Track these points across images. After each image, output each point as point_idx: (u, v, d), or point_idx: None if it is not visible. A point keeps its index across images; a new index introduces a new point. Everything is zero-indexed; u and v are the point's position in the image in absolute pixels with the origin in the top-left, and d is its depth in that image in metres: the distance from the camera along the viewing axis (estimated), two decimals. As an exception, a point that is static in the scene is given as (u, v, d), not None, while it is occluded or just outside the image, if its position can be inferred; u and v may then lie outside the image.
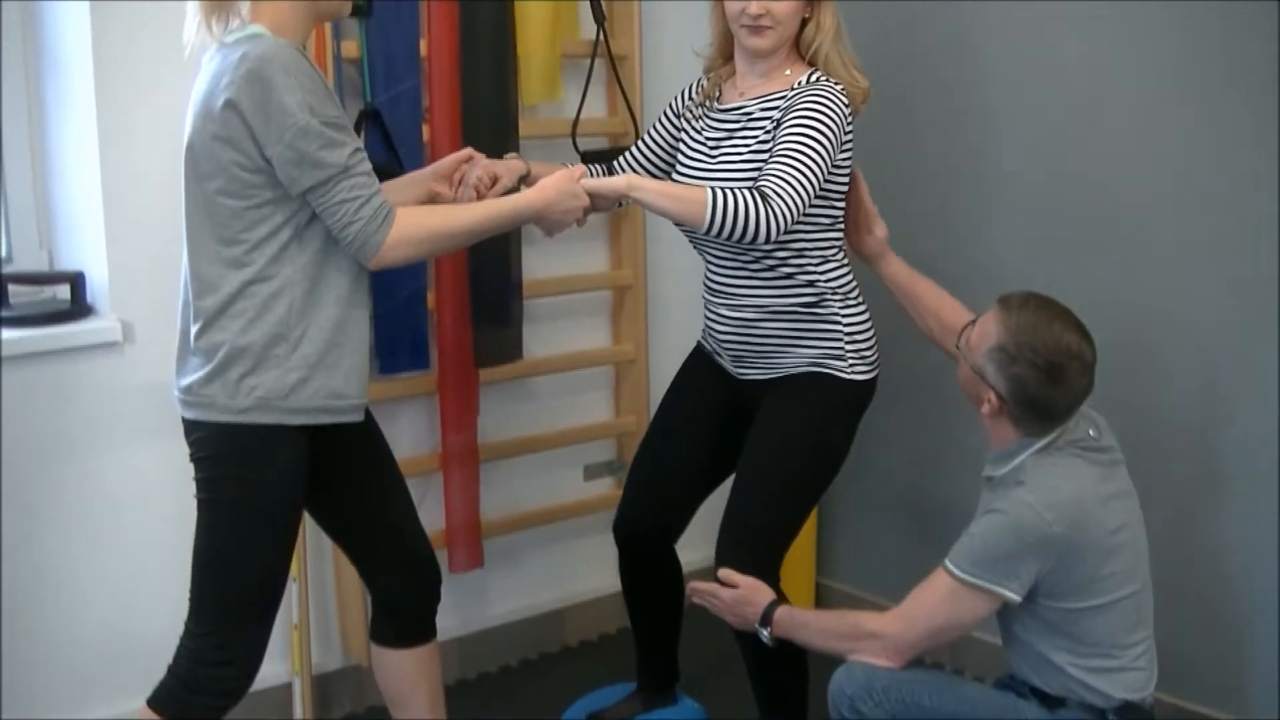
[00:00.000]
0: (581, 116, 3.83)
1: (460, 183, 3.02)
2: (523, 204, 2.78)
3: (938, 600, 2.70)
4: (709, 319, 3.22)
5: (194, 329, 2.60)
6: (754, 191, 2.81)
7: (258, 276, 2.55)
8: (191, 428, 2.65)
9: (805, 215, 2.91)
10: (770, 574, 3.04)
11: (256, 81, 2.44)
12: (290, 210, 2.55)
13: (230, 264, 2.55)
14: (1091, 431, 2.74)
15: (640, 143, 3.37)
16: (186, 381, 2.62)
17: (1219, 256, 3.22)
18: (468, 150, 3.09)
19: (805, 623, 2.89)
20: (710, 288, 3.18)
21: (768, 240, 2.81)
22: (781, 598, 2.98)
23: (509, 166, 3.09)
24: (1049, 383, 2.65)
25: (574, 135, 3.77)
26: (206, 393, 2.58)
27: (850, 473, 3.21)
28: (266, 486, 2.63)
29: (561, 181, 2.80)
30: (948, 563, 2.68)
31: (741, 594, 2.93)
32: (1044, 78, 3.56)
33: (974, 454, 2.93)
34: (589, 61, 3.87)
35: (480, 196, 2.97)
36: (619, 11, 3.98)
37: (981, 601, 2.66)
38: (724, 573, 2.96)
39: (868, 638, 2.76)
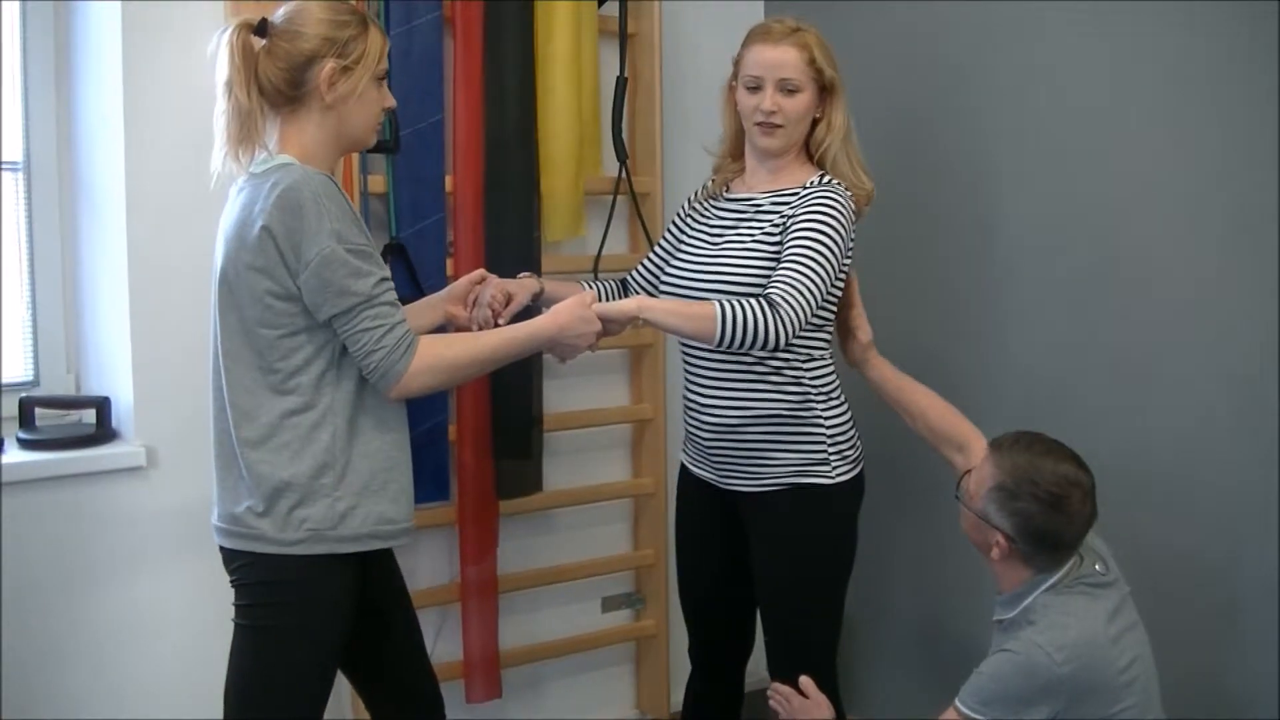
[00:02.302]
0: (604, 253, 3.90)
1: (474, 304, 3.04)
2: (537, 331, 2.78)
3: None
4: (691, 427, 3.19)
5: (238, 458, 2.60)
6: (760, 300, 2.83)
7: (299, 406, 2.57)
8: (234, 556, 2.64)
9: None
10: (829, 678, 3.09)
11: (287, 209, 2.47)
12: (326, 337, 2.57)
13: (270, 393, 2.57)
14: (1098, 566, 2.73)
15: (650, 256, 3.38)
16: (233, 512, 2.61)
17: (1234, 388, 3.23)
18: (480, 271, 3.12)
19: None
20: (692, 393, 3.15)
21: (778, 347, 2.83)
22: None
23: (523, 285, 3.11)
24: (1053, 512, 2.65)
25: (595, 272, 3.81)
26: (256, 525, 2.58)
27: (866, 609, 3.20)
28: (315, 616, 2.62)
29: (574, 308, 2.80)
30: (958, 701, 2.66)
31: (809, 705, 2.94)
32: (1057, 169, 3.57)
33: (988, 581, 2.92)
34: (611, 198, 3.94)
35: (495, 315, 3.00)
36: (641, 150, 4.05)
37: None
38: (804, 682, 2.96)
39: None
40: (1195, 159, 3.24)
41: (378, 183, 3.53)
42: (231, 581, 2.66)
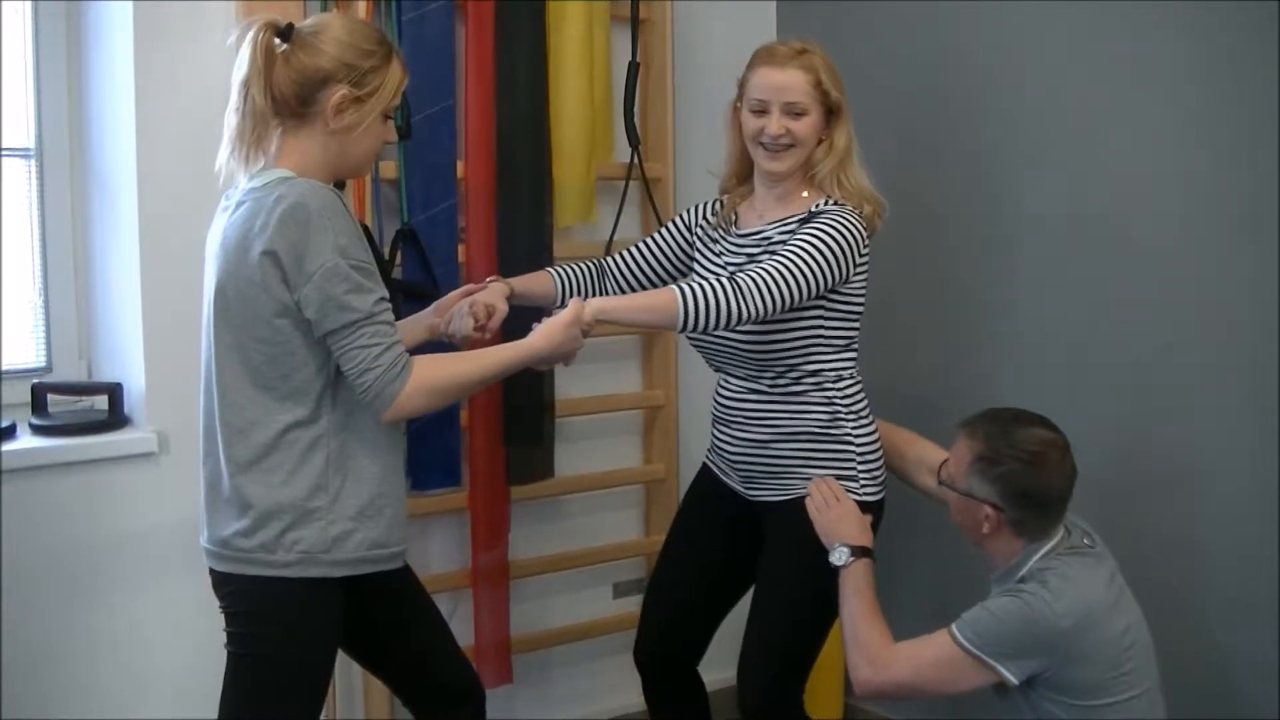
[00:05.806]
0: (615, 238, 3.88)
1: (450, 318, 2.97)
2: (527, 350, 2.70)
3: (931, 660, 2.70)
4: (718, 440, 3.18)
5: (226, 480, 2.53)
6: (723, 279, 2.79)
7: (294, 425, 2.49)
8: (225, 580, 2.57)
9: (823, 337, 2.95)
10: (796, 691, 3.04)
11: (292, 222, 2.39)
12: (325, 357, 2.49)
13: (265, 412, 2.49)
14: (1086, 540, 2.77)
15: (642, 245, 3.32)
16: (222, 534, 2.55)
17: (1238, 381, 3.22)
18: (468, 286, 3.08)
19: (857, 593, 2.88)
20: (721, 408, 3.15)
21: (752, 320, 2.78)
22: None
23: (494, 292, 3.02)
24: (1035, 471, 2.70)
25: (607, 256, 3.79)
26: (246, 547, 2.51)
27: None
28: (307, 640, 2.56)
29: (568, 327, 2.71)
30: (954, 629, 2.68)
31: (851, 514, 2.95)
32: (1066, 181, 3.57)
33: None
34: (623, 184, 3.93)
35: (478, 327, 2.92)
36: (653, 135, 4.05)
37: (976, 674, 2.66)
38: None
39: (862, 654, 2.79)
40: (1200, 156, 3.24)
41: (389, 168, 3.52)
42: (222, 608, 2.60)
